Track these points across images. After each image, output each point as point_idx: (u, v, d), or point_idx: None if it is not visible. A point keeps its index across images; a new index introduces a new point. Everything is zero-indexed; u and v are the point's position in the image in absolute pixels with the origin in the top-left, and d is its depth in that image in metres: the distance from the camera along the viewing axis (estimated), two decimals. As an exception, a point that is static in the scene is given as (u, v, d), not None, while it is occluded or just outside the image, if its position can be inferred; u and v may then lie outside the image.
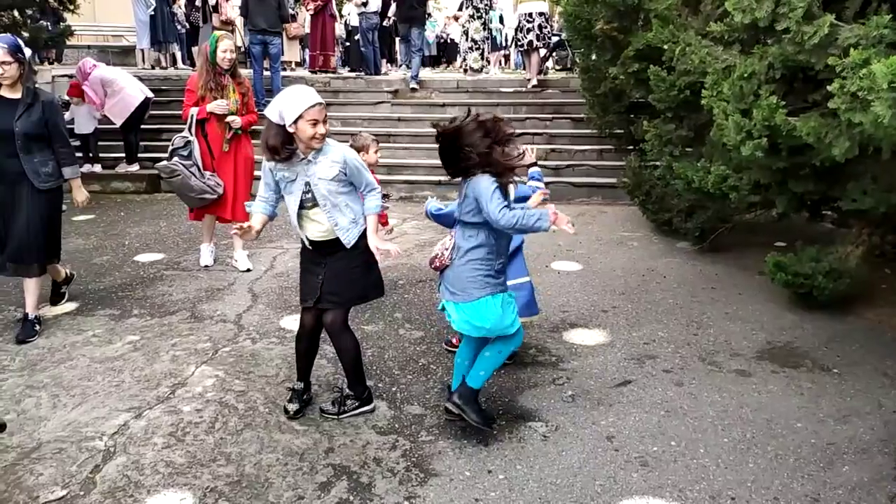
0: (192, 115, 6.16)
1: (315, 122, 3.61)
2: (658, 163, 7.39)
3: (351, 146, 5.69)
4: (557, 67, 15.60)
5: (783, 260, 5.54)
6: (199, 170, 6.12)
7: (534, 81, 12.75)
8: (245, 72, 6.61)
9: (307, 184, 3.75)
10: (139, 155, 10.77)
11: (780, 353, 4.87)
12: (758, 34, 4.96)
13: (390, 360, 4.73)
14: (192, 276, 6.43)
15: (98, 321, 5.36)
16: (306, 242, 3.90)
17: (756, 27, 4.68)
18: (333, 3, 14.63)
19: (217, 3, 14.12)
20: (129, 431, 3.81)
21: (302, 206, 3.79)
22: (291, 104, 3.59)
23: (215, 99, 6.14)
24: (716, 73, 5.23)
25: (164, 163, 6.16)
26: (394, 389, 4.32)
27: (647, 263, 6.88)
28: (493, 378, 4.22)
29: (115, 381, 4.39)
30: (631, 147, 8.85)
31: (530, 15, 12.67)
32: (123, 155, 10.66)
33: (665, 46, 6.11)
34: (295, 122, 3.58)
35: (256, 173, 6.56)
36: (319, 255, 3.86)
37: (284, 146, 3.66)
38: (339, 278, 3.87)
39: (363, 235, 3.85)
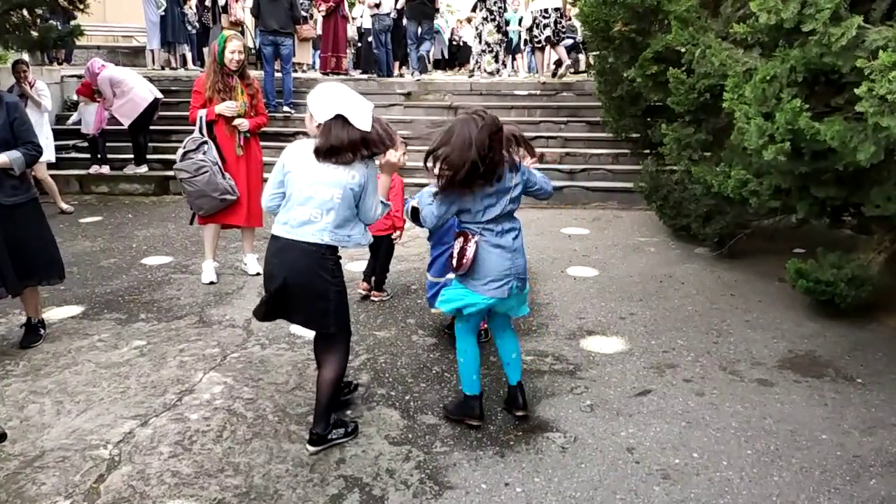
0: (201, 118, 5.94)
1: None
2: (675, 167, 7.31)
3: None
4: (571, 71, 15.50)
5: (804, 267, 5.43)
6: (220, 168, 5.92)
7: (562, 71, 12.74)
8: (256, 73, 6.48)
9: None
10: (148, 156, 10.72)
11: (802, 361, 4.75)
12: (779, 37, 4.86)
13: (403, 368, 4.63)
14: (201, 280, 6.31)
15: (104, 325, 5.27)
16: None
17: (780, 29, 4.58)
18: (345, 4, 14.56)
19: (226, 3, 14.08)
20: (134, 440, 3.72)
21: None
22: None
23: (223, 100, 5.94)
24: (737, 75, 5.14)
25: (189, 161, 5.87)
26: (407, 398, 4.22)
27: (665, 269, 6.77)
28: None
29: (120, 388, 4.29)
30: (647, 151, 8.76)
31: (546, 10, 12.65)
32: (132, 156, 10.62)
33: (684, 49, 6.03)
34: None
35: (264, 175, 6.49)
36: None
37: None
38: None
39: None
